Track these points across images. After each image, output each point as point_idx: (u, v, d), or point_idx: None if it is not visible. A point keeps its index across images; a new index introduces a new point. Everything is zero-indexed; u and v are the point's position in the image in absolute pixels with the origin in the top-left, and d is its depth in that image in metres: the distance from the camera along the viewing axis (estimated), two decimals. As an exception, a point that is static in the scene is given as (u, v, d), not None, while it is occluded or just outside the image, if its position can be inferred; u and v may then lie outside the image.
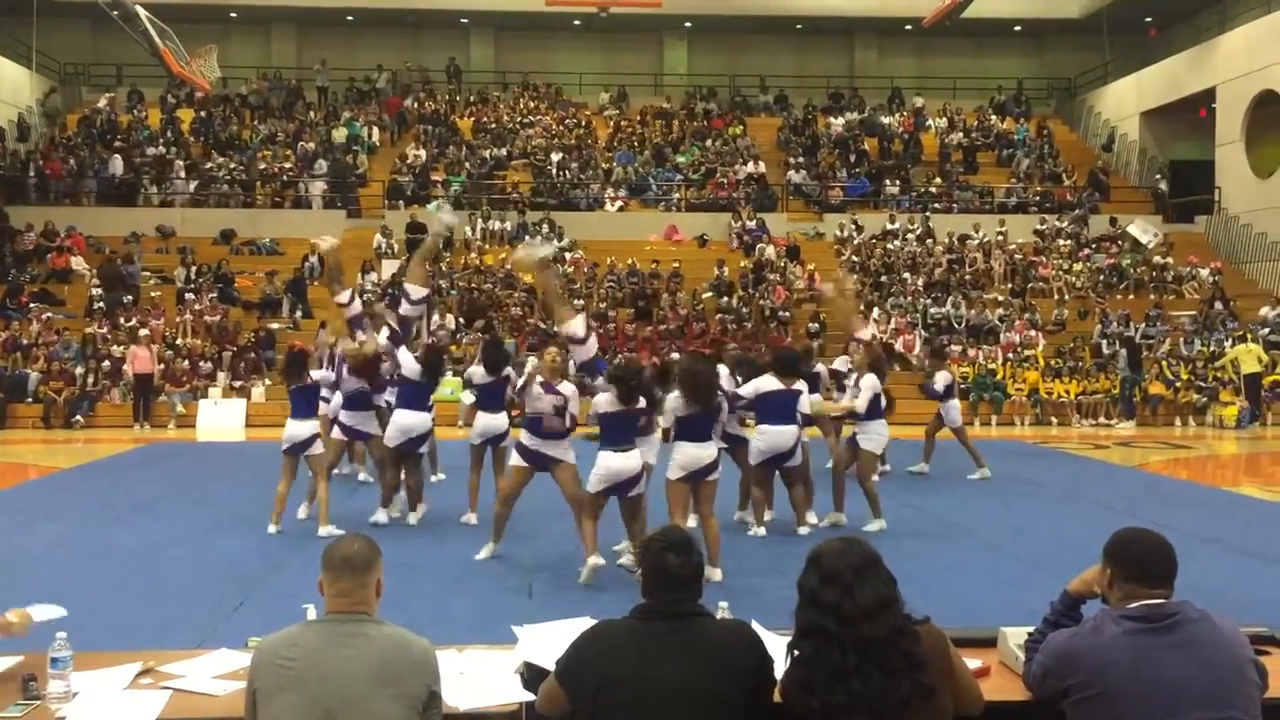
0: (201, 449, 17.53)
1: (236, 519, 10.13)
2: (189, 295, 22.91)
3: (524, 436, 8.16)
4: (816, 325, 22.75)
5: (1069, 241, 26.96)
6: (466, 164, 28.70)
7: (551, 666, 3.17)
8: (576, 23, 32.88)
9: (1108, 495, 12.12)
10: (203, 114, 29.83)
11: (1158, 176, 29.81)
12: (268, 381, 20.96)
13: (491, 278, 24.15)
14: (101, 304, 22.45)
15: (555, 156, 29.07)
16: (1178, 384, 21.34)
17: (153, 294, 23.22)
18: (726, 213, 27.45)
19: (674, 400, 7.77)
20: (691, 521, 7.99)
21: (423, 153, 28.71)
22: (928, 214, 27.71)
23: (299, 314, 23.02)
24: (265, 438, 16.77)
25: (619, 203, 27.83)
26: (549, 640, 3.56)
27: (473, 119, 31.16)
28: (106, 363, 20.66)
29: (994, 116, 32.41)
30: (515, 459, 8.27)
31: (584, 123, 31.21)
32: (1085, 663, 3.01)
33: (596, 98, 33.24)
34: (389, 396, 10.57)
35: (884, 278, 24.98)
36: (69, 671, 3.33)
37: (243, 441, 18.37)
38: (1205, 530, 9.72)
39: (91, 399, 20.15)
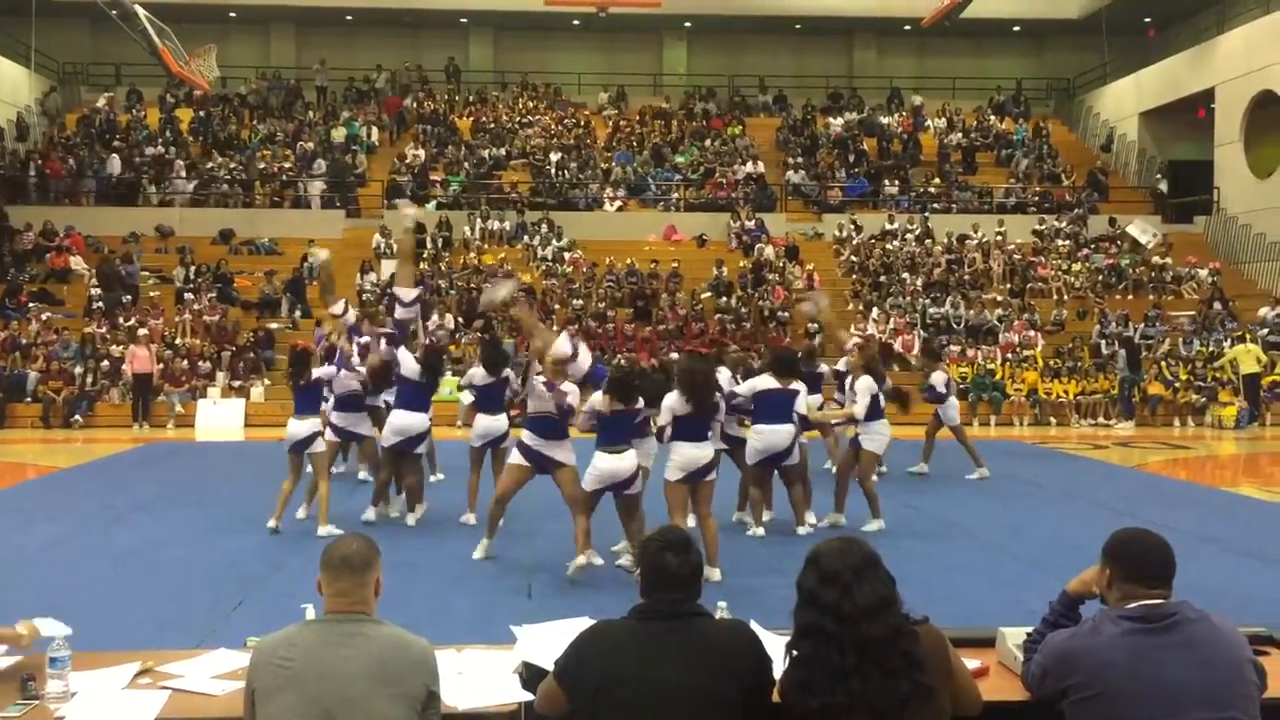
0: (200, 449, 17.53)
1: (235, 519, 10.13)
2: (188, 295, 22.90)
3: (526, 436, 8.16)
4: (815, 325, 22.75)
5: (1068, 242, 26.97)
6: (465, 164, 28.70)
7: (550, 666, 3.17)
8: (575, 22, 32.88)
9: (1106, 495, 12.12)
10: (201, 114, 29.82)
11: (1158, 176, 29.82)
12: (267, 381, 20.97)
13: (491, 278, 24.11)
14: (100, 304, 22.44)
15: (554, 156, 29.06)
16: (1177, 384, 21.35)
17: (152, 294, 23.22)
18: (725, 213, 27.45)
19: (672, 400, 7.77)
20: (690, 521, 7.99)
21: (421, 152, 28.71)
22: (927, 214, 27.71)
23: (298, 314, 23.01)
24: (264, 437, 16.79)
25: (618, 203, 27.83)
26: (548, 640, 3.56)
27: (472, 119, 31.15)
28: (105, 362, 20.65)
29: (993, 117, 32.42)
30: (516, 457, 8.27)
31: (583, 123, 31.20)
32: (1084, 663, 3.01)
33: (595, 98, 33.23)
34: (388, 396, 10.57)
35: (883, 278, 24.98)
36: (67, 671, 3.33)
37: (242, 441, 18.38)
38: (1204, 530, 9.72)
39: (90, 399, 20.14)
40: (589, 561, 7.75)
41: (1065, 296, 24.86)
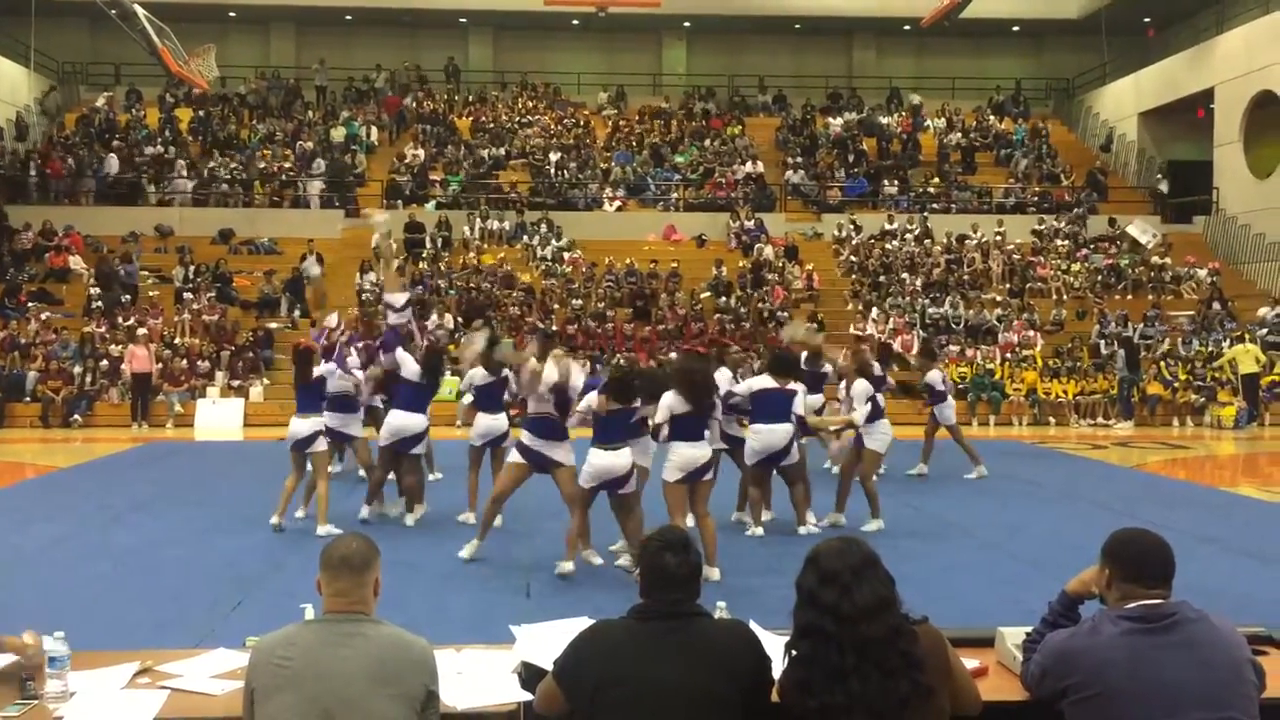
0: (199, 448, 17.52)
1: (234, 519, 10.13)
2: (187, 295, 22.90)
3: (525, 436, 8.17)
4: (815, 325, 22.74)
5: (1067, 242, 26.98)
6: (465, 163, 28.70)
7: (549, 666, 3.17)
8: (575, 22, 32.88)
9: (1106, 495, 12.12)
10: (201, 113, 29.82)
11: (1158, 176, 29.82)
12: (266, 381, 20.98)
13: (490, 277, 24.15)
14: (99, 303, 22.43)
15: (554, 156, 29.06)
16: (1176, 384, 21.36)
17: (151, 293, 23.22)
18: (725, 213, 27.45)
19: (670, 399, 7.78)
20: (688, 521, 7.99)
21: (421, 152, 28.71)
22: (926, 214, 27.71)
23: (297, 313, 23.01)
24: (263, 437, 16.79)
25: (617, 202, 27.83)
26: (547, 640, 3.56)
27: (471, 118, 31.15)
28: (104, 362, 20.65)
29: (992, 117, 32.42)
30: (514, 456, 8.28)
31: (582, 122, 31.20)
32: (1083, 663, 3.01)
33: (595, 97, 33.23)
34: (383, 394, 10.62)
35: (882, 278, 24.98)
36: (66, 671, 3.32)
37: (241, 441, 18.38)
38: (1203, 530, 9.72)
39: (89, 398, 20.13)
40: (588, 561, 7.74)
41: (1064, 296, 24.87)
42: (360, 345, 10.48)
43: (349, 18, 32.79)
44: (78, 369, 20.52)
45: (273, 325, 22.47)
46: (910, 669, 2.86)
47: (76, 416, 19.76)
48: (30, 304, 22.62)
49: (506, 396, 10.01)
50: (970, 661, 3.33)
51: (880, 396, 10.57)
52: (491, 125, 30.58)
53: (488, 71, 33.84)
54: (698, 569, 3.14)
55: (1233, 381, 21.08)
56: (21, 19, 27.39)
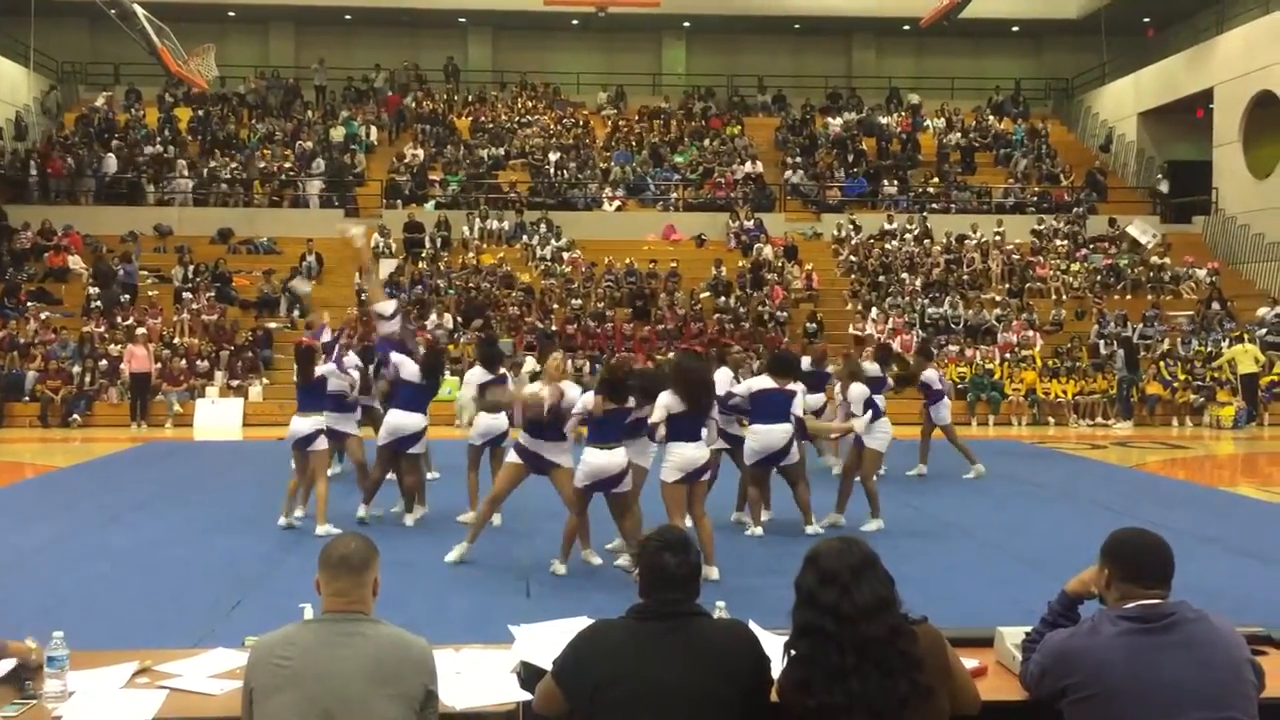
0: (199, 448, 17.51)
1: (234, 518, 10.13)
2: (186, 294, 22.90)
3: (523, 437, 8.18)
4: (814, 325, 22.77)
5: (1066, 242, 26.98)
6: (464, 163, 28.69)
7: (549, 666, 3.17)
8: (574, 22, 32.87)
9: (1105, 495, 12.13)
10: (200, 113, 29.81)
11: (1158, 176, 29.82)
12: (265, 380, 20.97)
13: (489, 277, 24.14)
14: (98, 303, 22.43)
15: (553, 156, 29.06)
16: (1175, 384, 21.36)
17: (150, 293, 23.21)
18: (724, 212, 27.45)
19: (667, 398, 7.78)
20: (686, 521, 7.99)
21: (420, 152, 28.71)
22: (925, 214, 27.71)
23: (296, 313, 22.99)
24: (262, 437, 16.79)
25: (617, 202, 27.82)
26: (546, 640, 3.56)
27: (470, 118, 31.15)
28: (104, 362, 20.64)
29: (992, 117, 32.42)
30: (512, 457, 8.29)
31: (582, 122, 31.20)
32: (1082, 663, 3.01)
33: (594, 97, 33.23)
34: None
35: (881, 278, 24.99)
36: (65, 671, 3.32)
37: (240, 441, 18.37)
38: (1202, 530, 9.72)
39: (89, 398, 20.13)
40: (588, 562, 7.74)
41: (1064, 296, 24.88)
42: (357, 345, 10.52)
43: (348, 17, 32.79)
44: (77, 369, 20.52)
45: (272, 325, 22.47)
46: (909, 669, 2.86)
47: (75, 416, 19.76)
48: (29, 303, 22.62)
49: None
50: (969, 661, 3.33)
51: (880, 397, 10.55)
52: (491, 125, 30.57)
53: (487, 71, 33.84)
54: (697, 569, 3.14)
55: (1232, 381, 21.08)
56: (21, 19, 27.37)
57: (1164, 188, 29.49)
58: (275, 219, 26.51)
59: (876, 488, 9.99)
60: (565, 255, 25.49)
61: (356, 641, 2.96)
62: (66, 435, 18.98)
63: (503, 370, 9.99)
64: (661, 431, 7.82)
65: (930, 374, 13.28)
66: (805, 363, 11.23)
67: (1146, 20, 32.08)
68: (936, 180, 29.37)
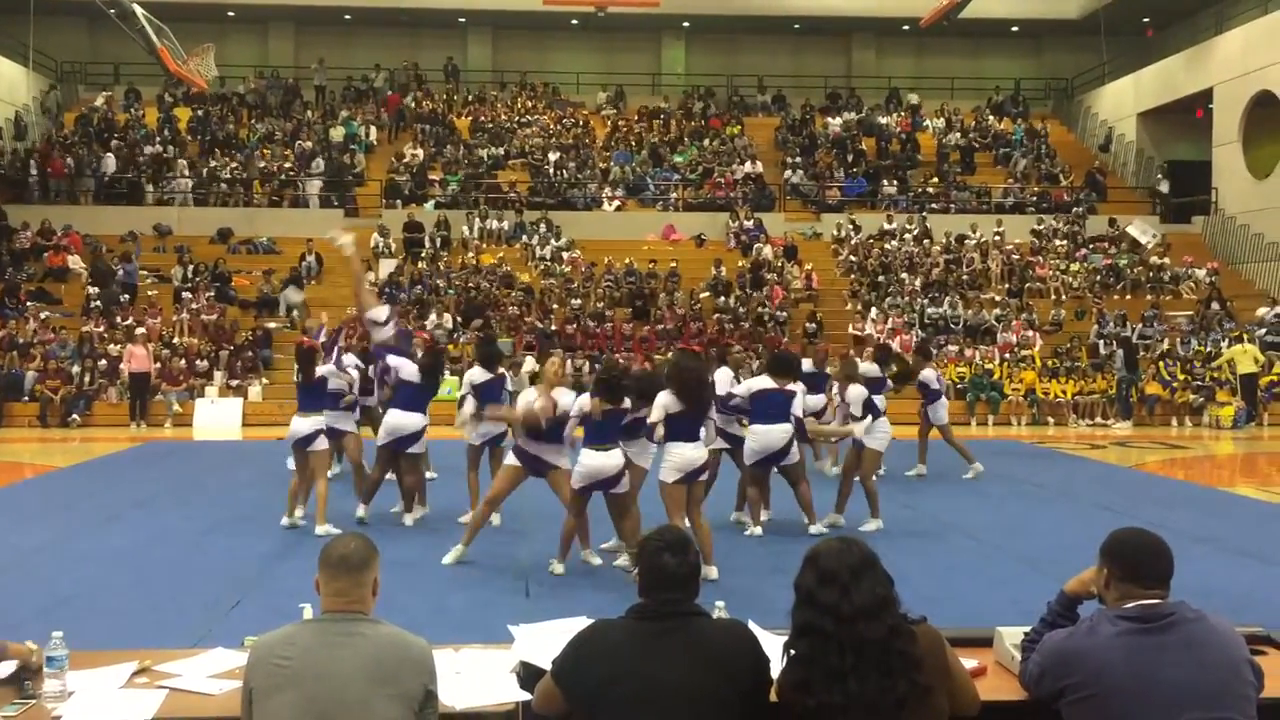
0: (198, 448, 17.51)
1: (233, 518, 10.14)
2: (186, 294, 22.90)
3: (521, 439, 8.18)
4: (814, 325, 22.77)
5: (1065, 242, 26.98)
6: (464, 163, 28.69)
7: (548, 666, 3.17)
8: (574, 22, 32.87)
9: (1104, 495, 12.12)
10: (200, 113, 29.80)
11: (1159, 176, 29.83)
12: (264, 380, 20.97)
13: (489, 277, 24.14)
14: (98, 303, 22.42)
15: (553, 156, 29.06)
16: (1174, 384, 21.36)
17: (150, 293, 23.21)
18: (724, 212, 27.45)
19: (665, 398, 7.78)
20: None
21: (420, 152, 28.70)
22: (925, 214, 27.72)
23: (295, 313, 22.99)
24: (262, 436, 16.79)
25: (616, 202, 27.82)
26: (545, 640, 3.56)
27: (470, 118, 31.14)
28: (103, 361, 20.64)
29: (991, 117, 32.43)
30: (510, 459, 8.30)
31: (581, 122, 31.20)
32: (1081, 663, 3.01)
33: (594, 97, 33.23)
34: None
35: (881, 278, 24.99)
36: (64, 670, 3.32)
37: (239, 440, 18.36)
38: (1202, 530, 9.73)
39: (88, 398, 20.13)
40: (587, 562, 7.74)
41: (1063, 296, 24.89)
42: (356, 346, 10.54)
43: (348, 17, 32.79)
44: (76, 368, 20.51)
45: (271, 325, 22.46)
46: (908, 669, 2.86)
47: (75, 416, 19.76)
48: (29, 303, 22.62)
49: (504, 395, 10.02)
50: (969, 661, 3.33)
51: (880, 398, 10.54)
52: (490, 125, 30.57)
53: (487, 71, 33.84)
54: (696, 569, 3.14)
55: (1231, 381, 21.08)
56: (20, 18, 27.34)
57: (1164, 188, 29.50)
58: (275, 219, 26.51)
59: (876, 487, 9.99)
60: (565, 255, 25.49)
61: (356, 641, 2.96)
62: (66, 435, 18.97)
63: (501, 370, 9.98)
64: (660, 431, 7.82)
65: (928, 373, 13.28)
66: (806, 364, 11.24)
67: (1146, 20, 32.08)
68: (936, 180, 29.37)
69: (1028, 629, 3.45)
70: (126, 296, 22.79)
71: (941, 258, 25.88)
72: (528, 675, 3.44)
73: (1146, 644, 2.97)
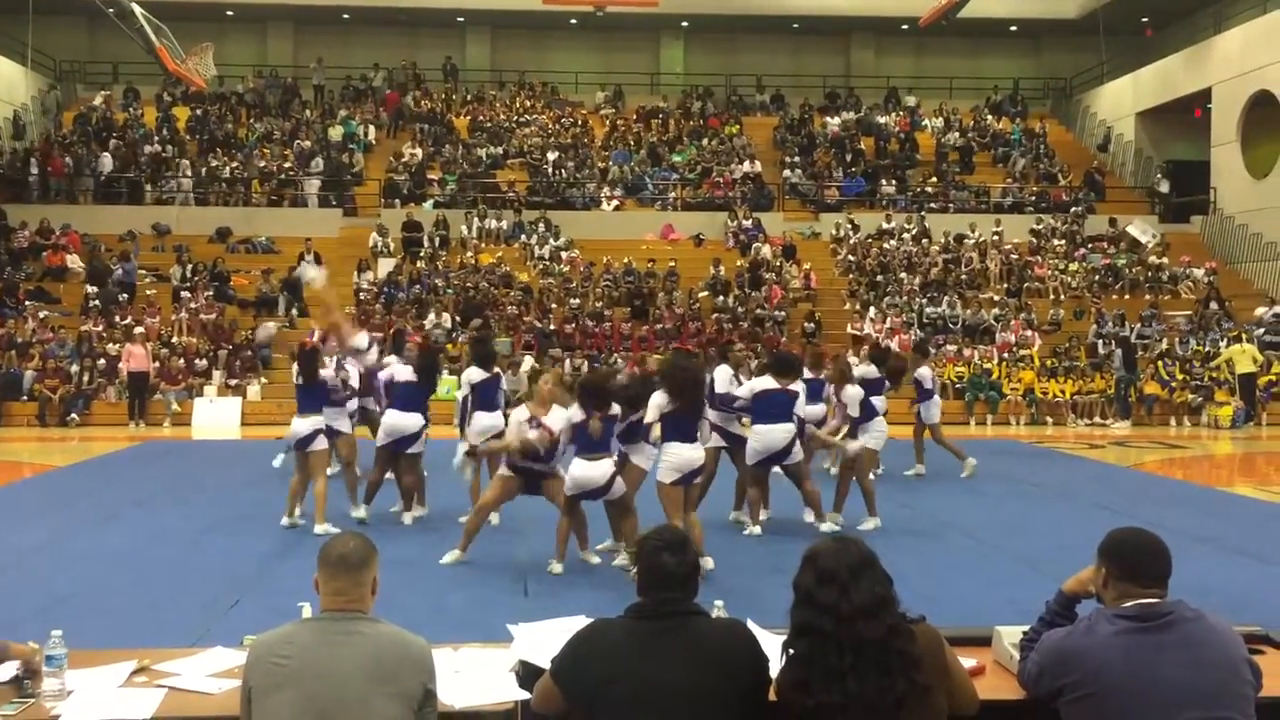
0: (197, 447, 17.51)
1: (232, 517, 10.14)
2: (185, 293, 22.89)
3: (514, 458, 8.21)
4: (812, 325, 22.77)
5: (1064, 242, 26.99)
6: (462, 163, 28.68)
7: (547, 665, 3.17)
8: (573, 21, 32.86)
9: (1103, 495, 12.13)
10: (199, 112, 29.79)
11: (1159, 176, 29.83)
12: (263, 380, 20.96)
13: (488, 276, 24.14)
14: (96, 302, 22.41)
15: (551, 155, 29.05)
16: (1173, 384, 21.37)
17: (148, 292, 23.19)
18: (723, 212, 27.44)
19: (659, 398, 7.79)
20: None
21: (419, 151, 28.69)
22: (924, 214, 27.71)
23: (294, 312, 22.99)
24: (261, 436, 16.78)
25: (615, 202, 27.82)
26: (544, 639, 3.56)
27: (469, 118, 31.13)
28: (102, 361, 20.62)
29: (990, 116, 32.43)
30: (504, 470, 8.32)
31: (580, 122, 31.19)
32: (1080, 662, 3.02)
33: (593, 97, 33.21)
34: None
35: (880, 277, 25.00)
36: (64, 669, 3.32)
37: (238, 440, 18.36)
38: (1200, 530, 9.73)
39: (87, 397, 20.12)
40: (586, 561, 7.74)
41: (1062, 296, 24.89)
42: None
43: (346, 16, 32.77)
44: (75, 368, 20.50)
45: (271, 325, 22.41)
46: (907, 668, 2.86)
47: (73, 415, 19.75)
48: (28, 302, 22.59)
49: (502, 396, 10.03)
50: (967, 660, 3.33)
51: (879, 399, 10.54)
52: (489, 124, 30.56)
53: (485, 70, 33.83)
54: (695, 568, 3.14)
55: (1230, 381, 21.09)
56: (19, 17, 27.31)
57: (1163, 187, 29.51)
58: (274, 218, 26.50)
59: (873, 486, 10.00)
60: (563, 254, 25.48)
61: (355, 640, 2.96)
62: (64, 434, 18.97)
63: (497, 369, 9.99)
64: (656, 431, 7.83)
65: (923, 372, 13.30)
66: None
67: (1145, 20, 32.07)
68: (935, 180, 29.37)
69: (1026, 628, 3.45)
70: (125, 296, 22.77)
71: (940, 257, 25.88)
72: (527, 674, 3.44)
73: (1145, 643, 2.98)
